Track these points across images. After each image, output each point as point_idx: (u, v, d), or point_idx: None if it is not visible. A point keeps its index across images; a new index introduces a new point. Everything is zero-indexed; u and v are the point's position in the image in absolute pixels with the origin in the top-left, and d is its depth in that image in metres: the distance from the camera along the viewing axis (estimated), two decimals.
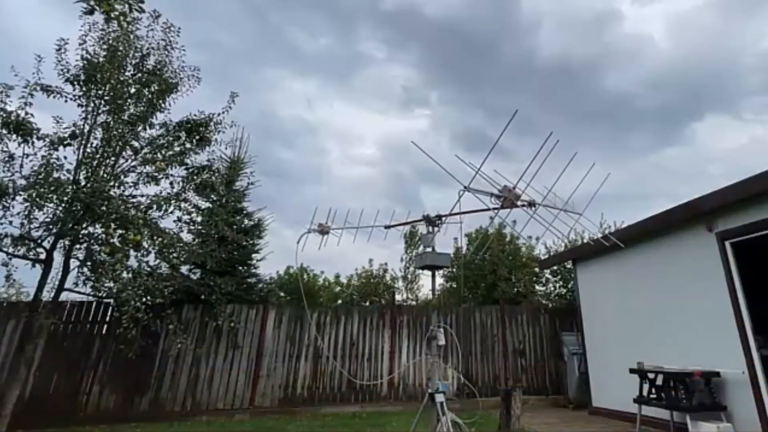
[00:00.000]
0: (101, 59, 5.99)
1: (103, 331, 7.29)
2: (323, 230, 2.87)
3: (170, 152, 6.54)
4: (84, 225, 5.76)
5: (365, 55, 20.41)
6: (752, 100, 23.89)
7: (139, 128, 6.35)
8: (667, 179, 25.43)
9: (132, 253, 6.22)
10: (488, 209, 2.85)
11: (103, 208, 5.51)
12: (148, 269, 6.73)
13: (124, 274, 6.15)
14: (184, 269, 7.87)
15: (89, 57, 6.00)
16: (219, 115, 6.80)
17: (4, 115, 5.42)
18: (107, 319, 7.32)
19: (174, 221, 7.10)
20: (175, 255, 6.61)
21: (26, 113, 5.54)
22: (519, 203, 2.74)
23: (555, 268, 11.79)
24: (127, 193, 6.20)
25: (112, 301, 7.10)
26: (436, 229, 3.17)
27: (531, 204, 2.86)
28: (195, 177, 6.78)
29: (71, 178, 5.72)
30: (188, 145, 6.67)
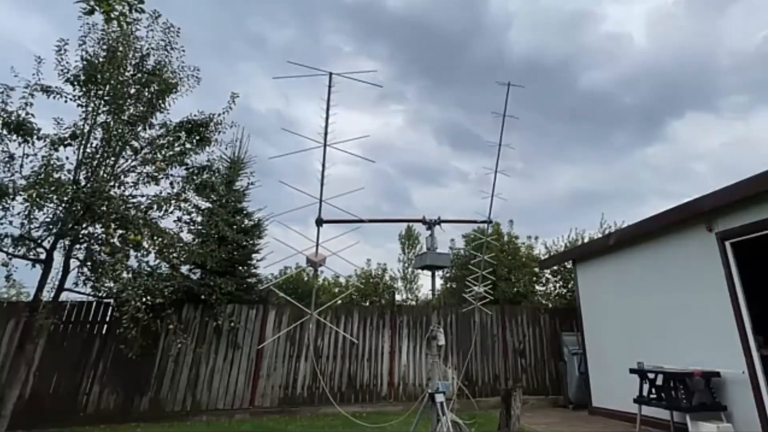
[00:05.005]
0: (101, 60, 6.00)
1: (103, 331, 7.28)
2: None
3: (170, 152, 6.54)
4: (84, 225, 5.76)
5: (333, 48, 20.40)
6: (731, 98, 24.16)
7: (139, 128, 6.35)
8: (656, 177, 25.69)
9: (132, 253, 6.21)
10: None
11: (104, 208, 5.51)
12: (148, 269, 6.73)
13: (124, 274, 6.14)
14: (184, 269, 7.86)
15: (89, 57, 6.01)
16: (219, 115, 6.82)
17: (5, 116, 5.43)
18: (107, 319, 7.32)
19: (174, 221, 7.12)
20: (175, 255, 6.60)
21: (26, 113, 5.55)
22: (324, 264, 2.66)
23: (555, 268, 11.80)
24: (127, 193, 6.20)
25: (112, 301, 7.10)
26: (431, 230, 3.16)
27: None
28: (195, 177, 6.78)
29: (71, 178, 5.72)
30: (188, 146, 6.67)
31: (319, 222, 2.73)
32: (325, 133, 2.49)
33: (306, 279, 13.72)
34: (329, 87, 2.39)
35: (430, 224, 3.15)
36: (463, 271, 12.73)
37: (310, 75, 2.29)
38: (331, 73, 2.33)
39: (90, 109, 6.04)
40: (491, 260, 3.56)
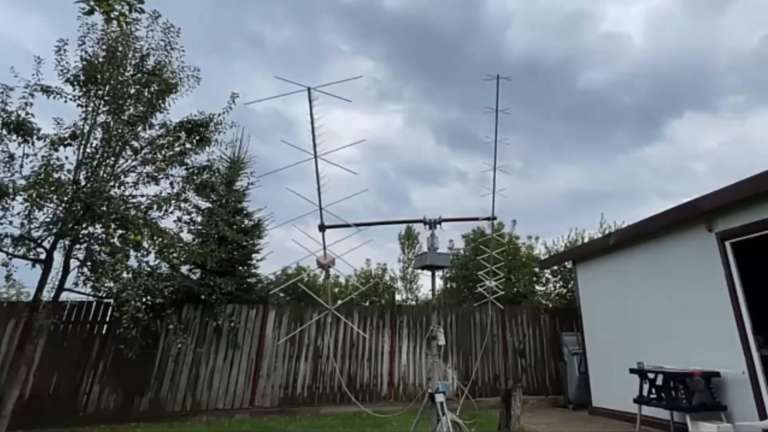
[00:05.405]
0: (101, 60, 5.99)
1: (103, 331, 7.28)
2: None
3: (170, 152, 6.53)
4: (84, 225, 5.76)
5: (331, 47, 20.43)
6: (730, 98, 24.24)
7: (139, 128, 6.34)
8: (655, 177, 25.77)
9: (132, 253, 6.21)
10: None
11: (104, 208, 5.51)
12: (148, 269, 6.73)
13: (124, 274, 6.14)
14: (184, 269, 7.86)
15: (89, 57, 6.00)
16: (219, 115, 6.82)
17: (5, 116, 5.42)
18: (107, 319, 7.32)
19: (174, 221, 7.11)
20: (175, 255, 6.60)
21: (26, 113, 5.54)
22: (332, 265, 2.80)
23: (555, 268, 11.80)
24: (127, 193, 6.20)
25: (112, 301, 7.10)
26: (434, 230, 3.15)
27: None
28: (195, 177, 6.78)
29: (71, 178, 5.71)
30: (188, 146, 6.67)
31: (322, 228, 2.81)
32: (314, 145, 2.56)
33: (305, 280, 13.71)
34: (310, 102, 2.43)
35: (431, 224, 3.14)
36: (463, 271, 12.74)
37: (290, 93, 2.34)
38: (309, 88, 2.37)
39: (90, 109, 6.03)
40: (499, 256, 3.60)
